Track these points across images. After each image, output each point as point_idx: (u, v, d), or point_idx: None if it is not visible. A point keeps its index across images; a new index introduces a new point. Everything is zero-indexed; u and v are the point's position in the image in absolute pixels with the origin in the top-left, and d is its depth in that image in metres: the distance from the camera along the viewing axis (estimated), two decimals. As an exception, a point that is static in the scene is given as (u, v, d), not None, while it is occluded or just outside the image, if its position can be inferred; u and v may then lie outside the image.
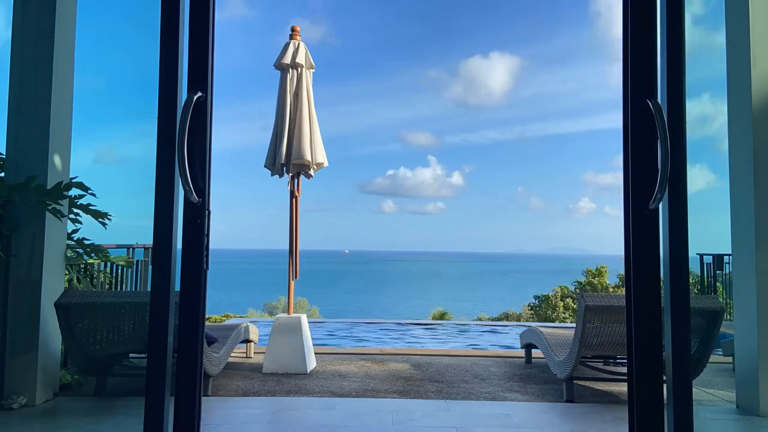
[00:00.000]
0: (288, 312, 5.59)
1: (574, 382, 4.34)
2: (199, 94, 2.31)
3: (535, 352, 5.71)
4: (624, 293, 2.49)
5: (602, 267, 26.05)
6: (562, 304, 25.72)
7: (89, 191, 4.20)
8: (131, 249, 5.35)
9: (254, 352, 5.95)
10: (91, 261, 4.72)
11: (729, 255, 6.07)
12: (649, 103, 2.26)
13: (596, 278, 25.54)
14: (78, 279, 4.52)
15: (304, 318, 5.45)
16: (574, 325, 4.38)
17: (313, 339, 5.62)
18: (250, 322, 7.03)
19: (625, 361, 3.41)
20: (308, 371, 5.17)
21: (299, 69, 5.53)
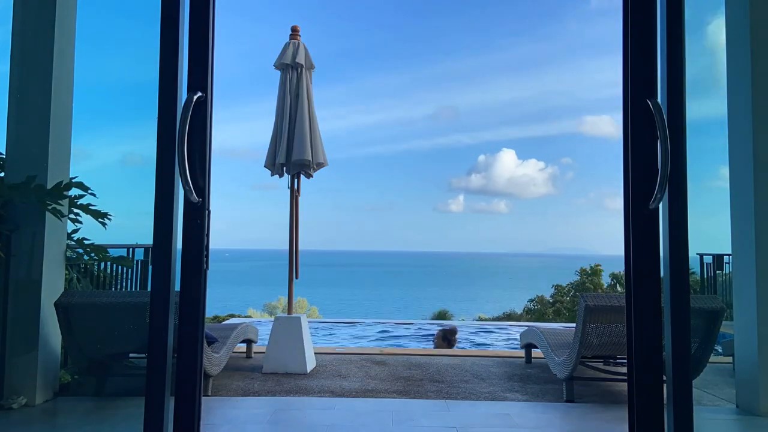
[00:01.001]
0: (288, 312, 5.59)
1: (574, 382, 4.33)
2: (199, 94, 2.31)
3: (535, 352, 5.71)
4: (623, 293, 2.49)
5: (597, 266, 25.97)
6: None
7: (89, 191, 4.20)
8: (131, 249, 5.34)
9: (254, 352, 5.94)
10: (91, 261, 4.72)
11: (729, 255, 6.07)
12: (649, 103, 2.27)
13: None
14: (78, 279, 4.51)
15: (304, 318, 5.45)
16: (574, 325, 4.38)
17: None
18: (250, 321, 7.03)
19: (625, 361, 3.41)
20: (308, 371, 5.17)
21: (299, 69, 5.54)
